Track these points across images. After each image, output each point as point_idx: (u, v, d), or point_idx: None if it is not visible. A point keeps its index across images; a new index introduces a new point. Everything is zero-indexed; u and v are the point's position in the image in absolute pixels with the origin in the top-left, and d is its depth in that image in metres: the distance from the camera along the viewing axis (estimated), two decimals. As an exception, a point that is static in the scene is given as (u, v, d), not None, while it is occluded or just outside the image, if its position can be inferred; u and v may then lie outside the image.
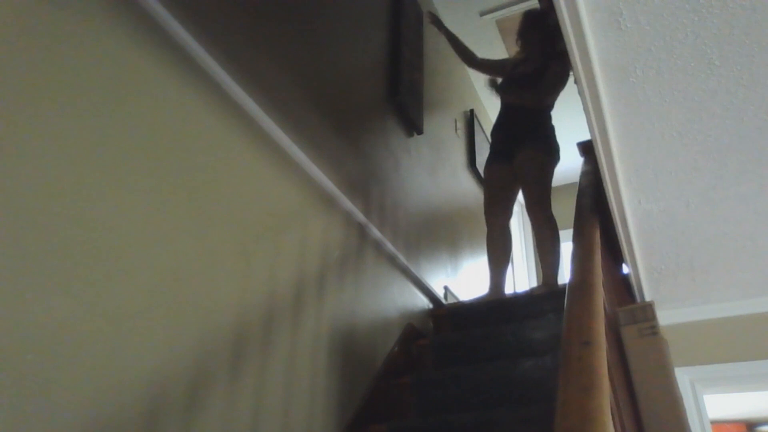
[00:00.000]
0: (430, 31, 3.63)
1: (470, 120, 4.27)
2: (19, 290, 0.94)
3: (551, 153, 2.85)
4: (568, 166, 5.44)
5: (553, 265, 2.75)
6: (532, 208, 2.83)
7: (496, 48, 4.17)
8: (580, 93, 1.48)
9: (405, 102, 2.93)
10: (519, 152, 2.83)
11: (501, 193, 2.92)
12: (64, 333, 1.00)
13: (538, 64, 2.94)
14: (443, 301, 3.02)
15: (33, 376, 0.93)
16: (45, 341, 0.96)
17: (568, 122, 4.73)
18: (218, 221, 1.45)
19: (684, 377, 2.75)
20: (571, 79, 2.72)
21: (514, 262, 4.84)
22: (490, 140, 3.12)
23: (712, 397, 3.09)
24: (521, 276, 5.07)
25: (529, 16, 3.12)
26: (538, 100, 2.89)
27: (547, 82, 2.88)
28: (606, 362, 0.91)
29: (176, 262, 1.29)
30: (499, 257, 2.90)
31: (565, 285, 1.35)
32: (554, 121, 5.51)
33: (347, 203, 2.15)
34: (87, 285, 1.06)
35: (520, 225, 5.52)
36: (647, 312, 1.75)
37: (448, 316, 2.77)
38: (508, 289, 4.50)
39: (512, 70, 3.06)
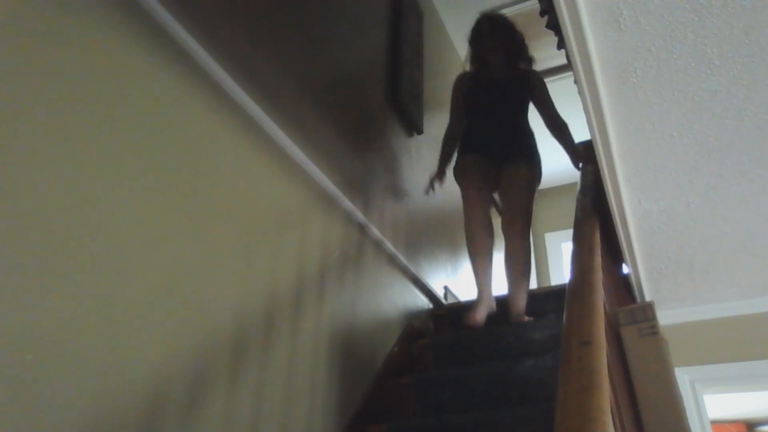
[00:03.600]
0: (430, 31, 3.63)
1: (470, 120, 4.26)
2: (19, 290, 0.94)
3: (538, 177, 2.53)
4: (569, 166, 5.46)
5: (526, 294, 2.36)
6: (514, 220, 2.37)
7: (496, 48, 4.16)
8: (580, 93, 1.48)
9: (405, 102, 2.93)
10: (509, 164, 2.49)
11: (484, 189, 2.48)
12: (64, 333, 1.00)
13: (508, 71, 2.65)
14: (443, 301, 3.02)
15: (33, 376, 0.93)
16: (45, 341, 0.96)
17: (568, 122, 4.74)
18: (218, 221, 1.45)
19: (684, 377, 2.75)
20: (570, 79, 2.70)
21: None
22: (465, 143, 2.65)
23: (712, 397, 3.09)
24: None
25: (491, 21, 2.67)
26: (550, 114, 2.60)
27: (541, 88, 2.64)
28: (606, 362, 0.91)
29: (176, 262, 1.29)
30: (487, 260, 2.43)
31: (564, 285, 1.35)
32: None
33: (347, 203, 2.15)
34: (87, 285, 1.06)
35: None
36: (647, 312, 1.76)
37: (448, 316, 2.77)
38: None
39: (481, 81, 2.67)
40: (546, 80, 4.58)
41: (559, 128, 2.57)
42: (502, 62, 2.62)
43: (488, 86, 2.62)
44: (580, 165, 2.35)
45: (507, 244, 2.37)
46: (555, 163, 5.59)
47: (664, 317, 2.39)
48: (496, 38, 2.60)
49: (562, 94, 4.34)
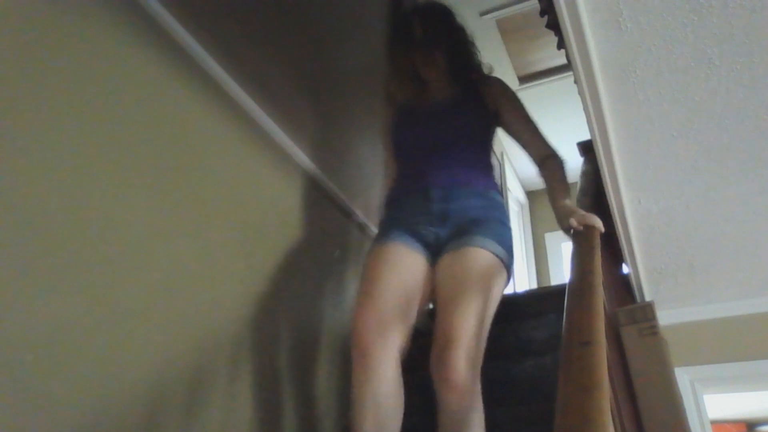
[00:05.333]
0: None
1: (470, 120, 4.26)
2: (18, 290, 0.94)
3: (507, 268, 1.47)
4: (568, 166, 5.45)
5: None
6: (448, 355, 1.24)
7: (496, 48, 4.16)
8: (580, 93, 1.48)
9: (405, 102, 2.92)
10: (455, 243, 1.44)
11: (400, 299, 1.38)
12: (64, 333, 1.00)
13: (455, 89, 1.71)
14: (443, 301, 3.02)
15: (33, 376, 0.93)
16: (45, 341, 0.96)
17: (568, 122, 4.74)
18: (218, 220, 1.45)
19: (684, 377, 2.74)
20: (570, 79, 2.64)
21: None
22: (385, 208, 1.71)
23: (712, 397, 3.09)
24: (521, 276, 5.07)
25: (426, 16, 1.69)
26: (538, 143, 1.69)
27: (510, 103, 1.71)
28: (606, 362, 0.91)
29: (176, 261, 1.29)
30: None
31: (564, 285, 1.35)
32: (554, 122, 4.82)
33: (347, 203, 2.15)
34: (86, 284, 1.06)
35: (520, 223, 5.52)
36: (647, 312, 1.76)
37: (448, 316, 2.76)
38: (508, 289, 4.42)
39: (414, 111, 1.71)
40: (546, 80, 4.58)
41: (546, 163, 1.65)
42: (446, 76, 1.70)
43: (425, 118, 1.67)
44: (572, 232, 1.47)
45: (439, 406, 1.29)
46: (555, 163, 5.61)
47: (664, 317, 2.39)
48: (434, 41, 1.65)
49: (562, 94, 4.36)
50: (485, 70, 1.75)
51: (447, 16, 1.72)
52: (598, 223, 1.43)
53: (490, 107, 1.68)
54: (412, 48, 1.67)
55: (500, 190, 1.64)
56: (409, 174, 1.64)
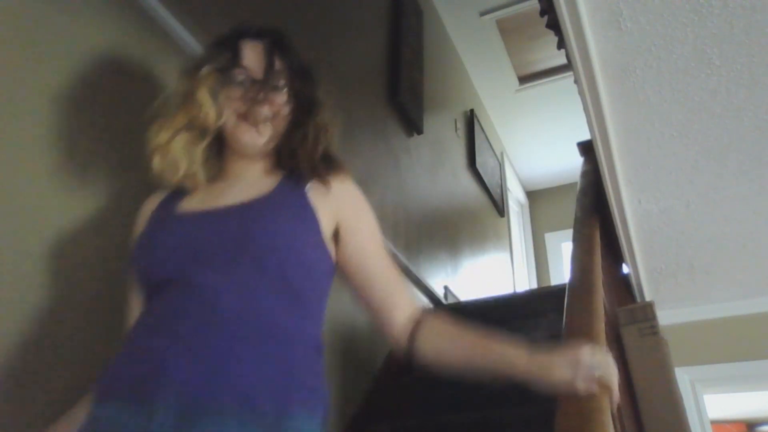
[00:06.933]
0: (429, 31, 3.63)
1: (470, 120, 4.28)
2: (19, 289, 0.94)
3: None
4: (568, 166, 5.46)
5: None
6: None
7: (496, 48, 4.16)
8: (580, 93, 1.48)
9: (405, 102, 2.93)
10: None
11: None
12: (65, 332, 1.00)
13: (276, 178, 0.92)
14: (443, 301, 3.03)
15: (33, 375, 0.93)
16: (45, 341, 0.96)
17: (568, 122, 4.74)
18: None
19: (684, 377, 2.75)
20: (570, 79, 2.63)
21: (513, 263, 4.83)
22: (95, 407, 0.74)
23: (712, 397, 3.09)
24: (521, 276, 5.08)
25: (271, 40, 0.96)
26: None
27: (358, 217, 0.94)
28: (606, 362, 0.91)
29: None
30: None
31: (564, 285, 1.35)
32: (554, 122, 4.79)
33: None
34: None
35: (520, 223, 5.53)
36: (647, 312, 1.76)
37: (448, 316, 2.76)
38: (508, 289, 4.41)
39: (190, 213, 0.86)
40: (546, 80, 4.59)
41: (430, 316, 0.98)
42: (272, 151, 0.97)
43: (199, 224, 0.84)
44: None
45: None
46: (554, 163, 5.61)
47: (664, 317, 2.39)
48: (280, 86, 0.97)
49: (562, 94, 4.36)
50: (335, 158, 0.99)
51: (299, 58, 1.03)
52: (615, 377, 0.79)
53: (328, 220, 0.90)
54: (237, 90, 0.91)
55: (325, 395, 0.85)
56: (134, 348, 0.77)
